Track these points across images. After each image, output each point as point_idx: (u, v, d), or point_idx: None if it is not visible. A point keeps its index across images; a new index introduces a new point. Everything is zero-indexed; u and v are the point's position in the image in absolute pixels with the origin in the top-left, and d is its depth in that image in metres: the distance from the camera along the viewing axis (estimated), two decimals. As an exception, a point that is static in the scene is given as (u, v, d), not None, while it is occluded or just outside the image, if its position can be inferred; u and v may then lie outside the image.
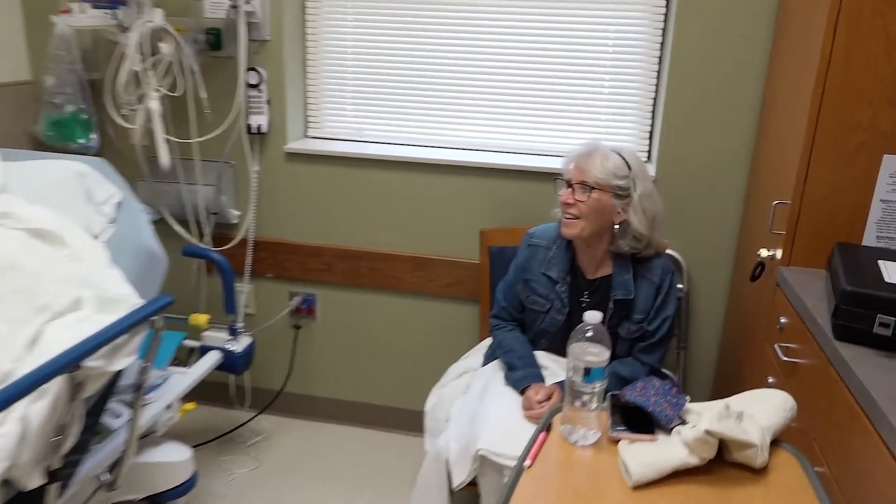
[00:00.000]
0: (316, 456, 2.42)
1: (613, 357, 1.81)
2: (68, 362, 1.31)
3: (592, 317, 1.21)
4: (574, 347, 1.21)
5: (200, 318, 2.17)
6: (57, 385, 1.34)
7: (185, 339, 2.17)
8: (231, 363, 2.17)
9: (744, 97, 2.03)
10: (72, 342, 1.40)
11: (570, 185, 1.74)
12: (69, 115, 2.31)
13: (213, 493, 2.21)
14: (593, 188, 1.70)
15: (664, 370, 1.93)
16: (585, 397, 1.19)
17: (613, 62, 2.19)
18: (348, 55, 2.35)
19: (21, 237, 1.48)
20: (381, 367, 2.51)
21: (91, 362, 1.38)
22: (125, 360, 1.47)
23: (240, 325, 2.21)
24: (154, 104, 2.01)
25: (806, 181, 1.59)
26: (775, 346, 1.57)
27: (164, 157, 2.05)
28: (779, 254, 1.68)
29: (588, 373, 1.18)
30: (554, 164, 2.18)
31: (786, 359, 1.50)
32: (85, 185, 1.72)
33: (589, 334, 1.19)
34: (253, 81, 2.25)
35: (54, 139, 2.34)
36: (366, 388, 2.55)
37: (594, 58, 2.19)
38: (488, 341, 2.01)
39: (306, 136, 2.46)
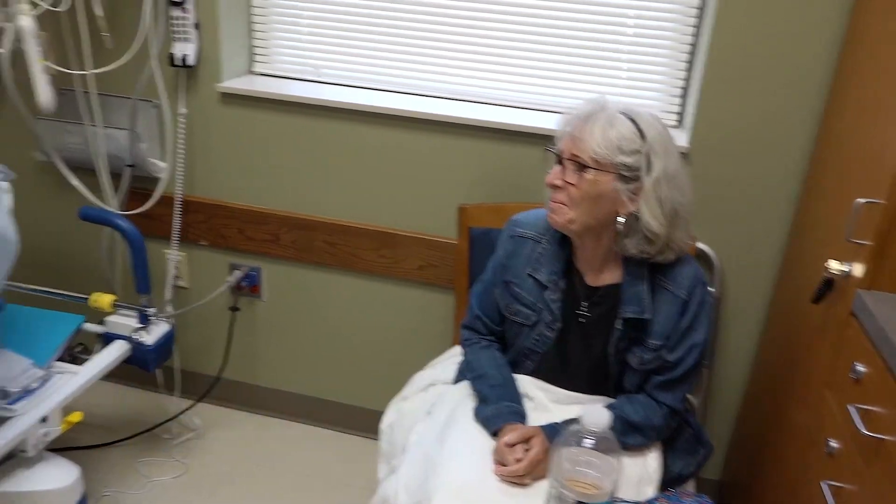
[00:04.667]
0: (255, 459, 2.02)
1: (621, 390, 1.37)
2: None
3: (596, 417, 0.76)
4: (562, 460, 0.76)
5: (103, 300, 1.74)
6: None
7: (85, 323, 1.74)
8: (140, 357, 1.74)
9: (817, 40, 1.51)
10: None
11: (560, 160, 1.26)
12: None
13: (123, 506, 1.83)
14: (588, 166, 1.22)
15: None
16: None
17: (644, -8, 1.66)
18: (304, -31, 1.83)
19: None
20: (335, 358, 2.08)
21: None
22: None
23: (152, 309, 1.77)
24: (26, 21, 1.51)
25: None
26: (849, 406, 1.12)
27: (42, 94, 1.56)
28: (858, 270, 1.21)
29: None
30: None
31: (868, 433, 1.05)
32: None
33: (588, 443, 0.74)
34: (176, -2, 1.74)
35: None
36: (317, 380, 2.13)
37: (619, -15, 1.67)
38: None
39: (251, 73, 1.97)
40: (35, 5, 1.52)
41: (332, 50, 1.89)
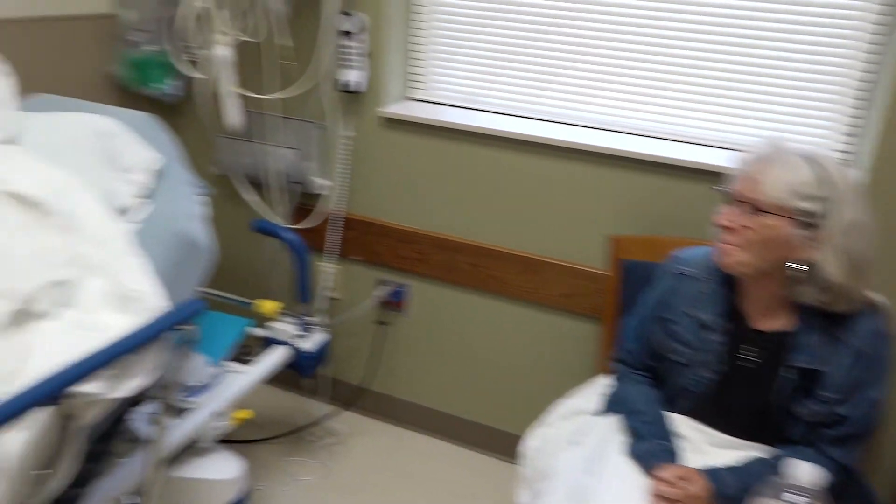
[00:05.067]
0: (391, 469, 2.09)
1: (782, 439, 1.31)
2: (47, 393, 1.02)
3: (803, 470, 0.74)
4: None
5: (267, 306, 1.87)
6: (39, 416, 1.05)
7: (251, 327, 1.88)
8: (299, 363, 1.86)
9: None
10: (65, 356, 1.11)
11: (733, 201, 1.24)
12: (148, 55, 2.03)
13: (273, 500, 1.94)
14: (764, 210, 1.19)
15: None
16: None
17: (807, 21, 1.60)
18: (466, 2, 1.90)
19: None
20: (474, 378, 2.13)
21: (85, 388, 1.08)
22: (134, 383, 1.16)
23: (313, 318, 1.88)
24: (223, 50, 1.66)
25: None
26: None
27: (233, 116, 1.71)
28: None
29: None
30: (716, 158, 1.66)
31: None
32: (109, 146, 1.39)
33: (796, 498, 0.73)
34: (346, 28, 1.86)
35: (131, 82, 2.08)
36: (456, 398, 2.18)
37: (779, 18, 1.62)
38: (607, 378, 1.56)
39: (406, 98, 2.06)
40: (228, 34, 1.68)
41: (487, 78, 1.95)
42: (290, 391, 2.35)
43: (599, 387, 1.61)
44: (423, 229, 2.03)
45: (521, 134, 1.83)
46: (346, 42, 1.87)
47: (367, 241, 2.10)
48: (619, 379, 1.49)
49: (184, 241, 1.37)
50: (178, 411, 1.57)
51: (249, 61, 1.87)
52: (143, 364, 1.18)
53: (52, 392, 1.02)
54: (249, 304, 1.85)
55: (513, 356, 2.04)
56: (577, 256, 1.87)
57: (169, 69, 2.06)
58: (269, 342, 1.87)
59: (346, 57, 1.89)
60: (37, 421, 1.05)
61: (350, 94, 1.95)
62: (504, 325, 2.02)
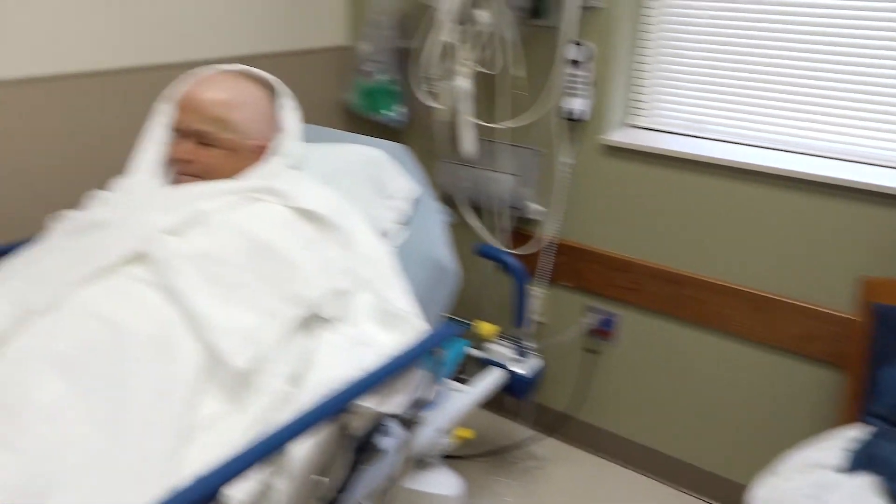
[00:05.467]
0: (595, 500, 2.06)
1: None
2: (338, 406, 1.10)
3: None
4: None
5: (487, 328, 1.91)
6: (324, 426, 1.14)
7: (469, 347, 1.93)
8: (515, 386, 1.89)
9: None
10: (348, 370, 1.20)
11: None
12: (379, 84, 2.17)
13: (477, 520, 1.98)
14: None
15: None
16: None
17: None
18: (695, 28, 1.85)
19: (284, 215, 1.29)
20: (689, 416, 2.05)
21: (364, 402, 1.16)
22: (399, 400, 1.24)
23: (530, 344, 1.90)
24: (463, 82, 1.73)
25: None
26: None
27: (467, 144, 1.78)
28: None
29: None
30: None
31: None
32: (377, 175, 1.50)
33: None
34: (575, 57, 1.87)
35: (362, 108, 2.22)
36: (665, 435, 2.11)
37: None
38: (851, 431, 1.44)
39: (627, 125, 2.03)
40: (470, 66, 1.75)
41: (714, 105, 1.88)
42: (491, 411, 2.39)
43: (843, 440, 1.48)
44: (639, 258, 1.99)
45: (753, 164, 1.75)
46: (574, 71, 1.89)
47: (578, 268, 2.10)
48: (875, 436, 1.37)
49: (435, 265, 1.44)
50: (410, 425, 1.64)
51: (483, 91, 1.93)
52: (406, 382, 1.25)
53: (341, 405, 1.10)
54: (469, 324, 1.90)
55: (735, 398, 1.94)
56: (816, 297, 1.75)
57: (397, 97, 2.18)
58: (485, 363, 1.91)
59: (573, 86, 1.90)
60: (320, 429, 1.14)
61: (572, 122, 1.96)
62: (727, 363, 1.93)
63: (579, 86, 1.90)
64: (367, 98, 2.20)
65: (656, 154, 1.89)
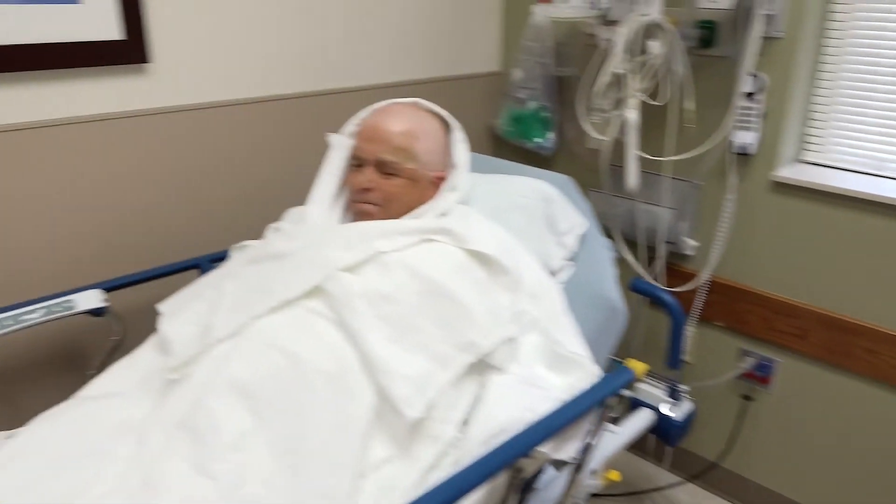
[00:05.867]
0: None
1: None
2: (518, 452, 1.07)
3: None
4: None
5: (638, 367, 1.83)
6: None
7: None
8: (665, 430, 1.80)
9: None
10: (518, 412, 1.17)
11: None
12: (531, 111, 2.15)
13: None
14: None
15: None
16: None
17: None
18: (883, 60, 1.71)
19: (457, 257, 1.28)
20: (847, 474, 1.89)
21: (540, 447, 1.13)
22: (572, 446, 1.20)
23: (683, 386, 1.82)
24: (632, 114, 1.68)
25: None
26: None
27: (632, 178, 1.72)
28: None
29: None
30: None
31: None
32: (549, 211, 1.48)
33: None
34: (749, 89, 1.78)
35: (512, 134, 2.22)
36: (818, 492, 1.95)
37: None
38: None
39: (798, 161, 1.91)
40: (637, 99, 1.69)
41: (906, 143, 1.74)
42: (632, 451, 2.30)
43: None
44: (805, 303, 1.86)
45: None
46: (747, 103, 1.79)
47: (733, 308, 1.99)
48: None
49: (605, 305, 1.40)
50: (577, 468, 1.60)
51: (648, 122, 1.87)
52: (581, 427, 1.21)
53: (520, 452, 1.07)
54: (620, 361, 1.83)
55: (910, 461, 1.78)
56: None
57: (548, 124, 2.16)
58: (636, 404, 1.83)
59: (744, 118, 1.81)
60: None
61: (739, 156, 1.87)
62: (903, 423, 1.78)
63: (751, 119, 1.80)
64: (517, 124, 2.19)
65: (832, 193, 1.76)
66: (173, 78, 1.56)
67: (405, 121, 1.37)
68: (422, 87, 2.08)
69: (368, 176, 1.36)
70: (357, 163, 1.40)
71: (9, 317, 1.25)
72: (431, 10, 2.06)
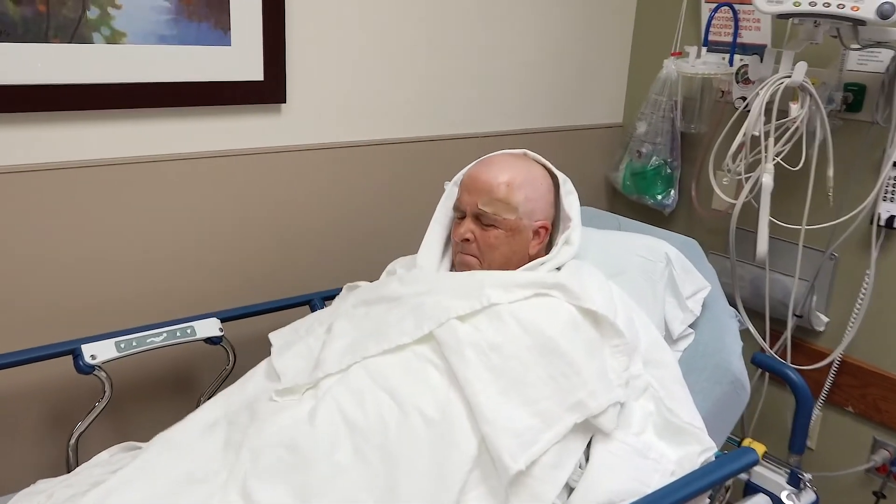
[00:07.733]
0: None
1: None
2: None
3: None
4: None
5: (758, 448, 1.70)
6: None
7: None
8: (791, 519, 1.65)
9: None
10: (630, 483, 1.11)
11: None
12: (653, 166, 2.08)
13: None
14: None
15: None
16: None
17: None
18: None
19: (571, 314, 1.23)
20: None
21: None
22: (688, 522, 1.11)
23: (807, 475, 1.66)
24: (767, 178, 1.59)
25: None
26: None
27: (762, 244, 1.62)
28: None
29: None
30: None
31: None
32: (671, 274, 1.41)
33: None
34: (898, 158, 1.65)
35: (631, 189, 2.15)
36: None
37: None
38: None
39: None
40: (773, 163, 1.60)
41: None
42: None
43: None
44: (953, 395, 1.68)
45: None
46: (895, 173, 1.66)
47: (866, 393, 1.82)
48: None
49: (728, 378, 1.31)
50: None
51: (780, 187, 1.76)
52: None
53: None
54: (737, 440, 1.71)
55: None
56: None
57: (669, 181, 2.08)
58: (752, 489, 1.69)
59: (891, 189, 1.67)
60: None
61: (881, 228, 1.72)
62: None
63: (896, 189, 1.67)
64: (636, 179, 2.13)
65: None
66: (302, 118, 1.62)
67: (506, 171, 1.35)
68: (541, 136, 2.07)
69: (468, 227, 1.35)
70: (459, 214, 1.39)
71: (135, 338, 1.31)
72: (559, 59, 2.05)
